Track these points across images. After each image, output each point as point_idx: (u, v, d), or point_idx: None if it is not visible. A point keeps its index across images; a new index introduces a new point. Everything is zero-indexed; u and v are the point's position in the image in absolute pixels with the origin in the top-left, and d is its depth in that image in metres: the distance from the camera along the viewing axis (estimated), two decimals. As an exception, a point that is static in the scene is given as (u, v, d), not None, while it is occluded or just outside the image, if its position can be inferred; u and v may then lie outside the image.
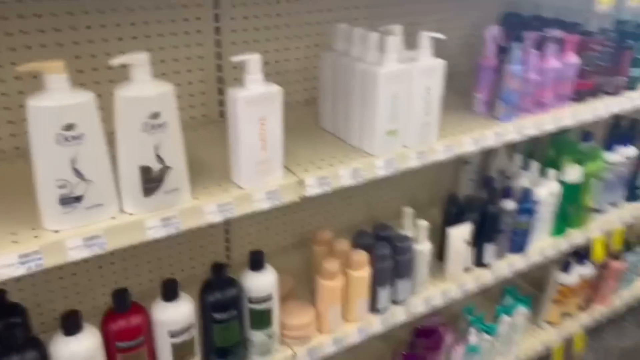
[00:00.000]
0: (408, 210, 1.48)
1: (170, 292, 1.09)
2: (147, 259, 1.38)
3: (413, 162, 1.23)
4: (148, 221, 0.93)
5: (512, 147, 1.74)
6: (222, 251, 1.51)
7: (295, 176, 1.08)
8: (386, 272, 1.37)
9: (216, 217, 0.99)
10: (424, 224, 1.44)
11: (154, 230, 0.94)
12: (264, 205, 1.04)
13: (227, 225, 1.48)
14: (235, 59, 0.97)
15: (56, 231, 0.87)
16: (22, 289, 1.23)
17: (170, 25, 1.20)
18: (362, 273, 1.32)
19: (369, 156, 1.18)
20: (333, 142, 1.24)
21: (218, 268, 1.13)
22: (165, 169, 0.92)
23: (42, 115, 0.80)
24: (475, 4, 1.68)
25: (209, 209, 0.98)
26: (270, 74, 1.37)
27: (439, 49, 1.20)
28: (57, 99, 0.81)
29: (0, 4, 1.01)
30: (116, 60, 0.84)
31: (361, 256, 1.32)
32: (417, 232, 1.44)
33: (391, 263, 1.37)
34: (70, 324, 0.99)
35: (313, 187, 1.09)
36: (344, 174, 1.13)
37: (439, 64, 1.19)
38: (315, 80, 1.44)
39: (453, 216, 1.54)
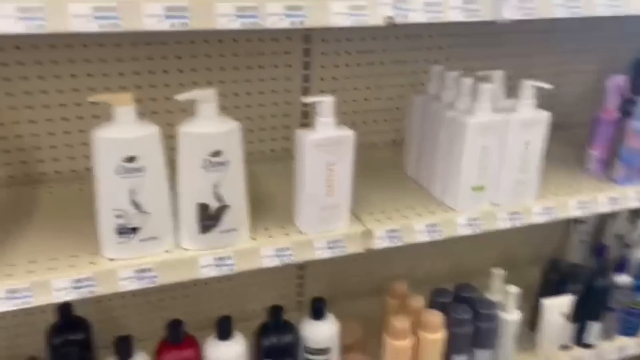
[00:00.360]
0: (498, 272, 1.32)
1: (224, 330, 1.06)
2: (215, 289, 1.37)
3: (503, 223, 1.09)
4: (202, 259, 0.90)
5: (635, 212, 1.51)
6: (294, 289, 1.46)
7: (363, 226, 1.00)
8: (464, 339, 1.23)
9: (273, 262, 0.94)
10: (514, 290, 1.28)
11: (208, 269, 0.91)
12: (325, 254, 0.97)
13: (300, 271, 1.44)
14: (307, 99, 0.93)
15: (112, 259, 0.87)
16: (97, 301, 1.27)
17: (259, 57, 1.19)
18: (436, 336, 1.19)
19: (451, 211, 1.07)
20: (413, 191, 1.15)
21: (274, 311, 1.08)
22: (223, 207, 0.89)
23: (105, 145, 0.81)
24: (600, 46, 1.49)
25: (266, 252, 0.94)
26: (359, 112, 1.32)
27: (552, 96, 1.06)
28: (121, 131, 0.81)
29: (88, 36, 1.06)
30: (182, 96, 0.83)
31: (436, 317, 1.20)
32: (506, 298, 1.29)
33: (471, 329, 1.22)
34: (124, 349, 1.00)
35: (382, 240, 1.01)
36: (419, 229, 1.03)
37: (543, 117, 1.05)
38: (403, 123, 1.35)
39: (552, 285, 1.36)
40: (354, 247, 0.99)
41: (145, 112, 1.12)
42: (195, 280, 1.18)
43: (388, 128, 1.37)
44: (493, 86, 1.02)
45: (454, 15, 0.86)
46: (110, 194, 0.84)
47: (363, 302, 1.52)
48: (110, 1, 0.69)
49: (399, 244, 1.02)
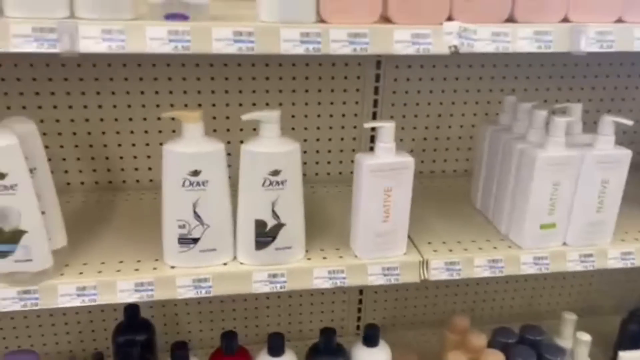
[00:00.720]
0: (570, 317, 1.24)
1: (275, 346, 1.07)
2: (274, 305, 1.40)
3: (573, 265, 1.02)
4: (256, 274, 0.93)
5: None
6: (353, 314, 1.45)
7: (420, 256, 0.98)
8: (525, 385, 1.16)
9: (325, 284, 0.95)
10: (586, 338, 1.19)
11: (260, 284, 0.93)
12: (379, 281, 0.96)
13: (361, 287, 1.43)
14: (368, 124, 0.93)
15: (172, 267, 0.92)
16: (162, 306, 1.34)
17: (329, 81, 1.21)
18: (494, 379, 1.14)
19: (516, 248, 1.02)
20: (477, 223, 1.11)
21: (327, 333, 1.08)
22: (279, 225, 0.91)
23: (173, 159, 0.86)
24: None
25: (319, 273, 0.94)
26: (429, 140, 1.31)
27: (635, 134, 0.99)
28: (188, 146, 0.86)
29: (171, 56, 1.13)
30: (248, 116, 0.87)
31: (497, 358, 1.14)
32: (577, 346, 1.20)
33: (533, 376, 1.15)
34: (180, 355, 1.04)
35: (439, 272, 0.98)
36: (480, 264, 0.99)
37: (623, 155, 0.98)
38: (472, 152, 1.32)
39: (632, 337, 1.25)
40: (409, 276, 0.97)
41: (213, 129, 1.18)
42: (255, 295, 1.22)
43: (459, 157, 1.34)
44: (569, 119, 0.97)
45: (524, 45, 0.83)
46: (175, 205, 0.88)
47: (421, 334, 1.49)
48: (184, 25, 0.75)
49: (457, 277, 0.98)
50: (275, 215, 0.90)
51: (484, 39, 0.81)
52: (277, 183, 0.89)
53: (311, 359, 1.09)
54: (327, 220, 1.10)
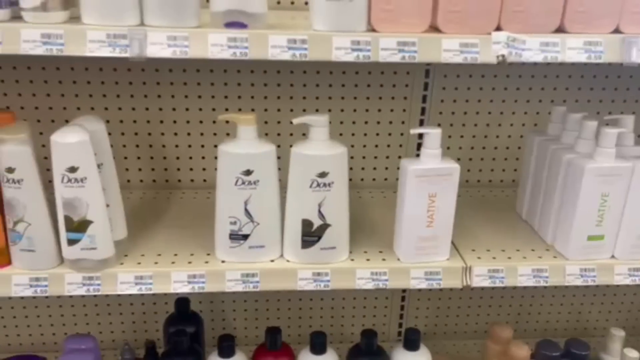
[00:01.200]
0: (617, 333, 1.21)
1: (317, 345, 1.10)
2: (317, 305, 1.43)
3: (621, 279, 1.01)
4: (301, 272, 0.96)
5: None
6: (395, 319, 1.47)
7: (463, 262, 0.99)
8: (568, 399, 1.14)
9: (367, 285, 0.97)
10: (634, 355, 1.16)
11: (305, 282, 0.97)
12: (421, 284, 0.98)
13: (404, 293, 1.44)
14: (415, 131, 0.96)
15: (223, 261, 0.97)
16: (210, 301, 1.40)
17: (378, 89, 1.24)
18: (536, 391, 1.13)
19: (561, 259, 1.01)
20: (522, 233, 1.11)
21: (368, 335, 1.11)
22: (325, 226, 0.95)
23: (227, 159, 0.91)
24: None
25: (362, 274, 0.97)
26: (476, 149, 1.31)
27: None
28: (242, 147, 0.91)
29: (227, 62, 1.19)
30: (298, 120, 0.91)
31: (539, 370, 1.13)
32: (625, 363, 1.17)
33: (577, 390, 1.13)
34: (226, 348, 1.09)
35: (482, 279, 0.99)
36: (524, 272, 0.99)
37: (676, 167, 0.96)
38: (519, 162, 1.31)
39: (684, 357, 1.20)
40: (451, 282, 0.99)
41: (265, 133, 1.23)
42: (299, 294, 1.26)
43: (506, 167, 1.34)
44: (619, 130, 0.96)
45: (574, 55, 0.84)
46: (228, 202, 0.93)
47: (462, 344, 1.48)
48: (242, 33, 0.80)
49: (500, 285, 0.99)
50: (321, 215, 0.94)
51: (533, 48, 0.83)
52: (324, 185, 0.92)
53: (352, 359, 1.11)
54: (371, 224, 1.12)
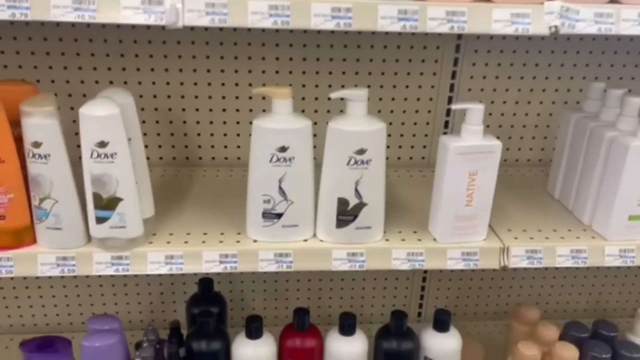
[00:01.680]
0: (646, 314, 1.20)
1: (347, 326, 1.08)
2: (338, 287, 1.41)
3: (660, 258, 0.99)
4: (335, 252, 0.94)
5: None
6: (415, 301, 1.45)
7: (500, 242, 0.97)
8: (598, 381, 1.13)
9: (403, 265, 0.95)
10: (664, 336, 1.15)
11: (339, 262, 0.94)
12: (458, 265, 0.96)
13: (425, 274, 1.42)
14: (456, 106, 0.92)
15: (255, 241, 0.94)
16: (229, 282, 1.37)
17: (407, 64, 1.20)
18: (566, 372, 1.11)
19: (600, 239, 0.99)
20: (557, 213, 1.08)
21: (398, 316, 1.08)
22: (361, 204, 0.92)
23: (262, 134, 0.88)
24: None
25: (397, 254, 0.95)
26: (504, 127, 1.28)
27: None
28: (277, 122, 0.88)
29: (252, 35, 1.15)
30: (336, 94, 0.88)
31: (572, 352, 1.11)
32: (653, 345, 1.16)
33: (607, 372, 1.12)
34: (254, 329, 1.06)
35: (519, 259, 0.96)
36: (562, 253, 0.97)
37: None
38: (551, 140, 1.29)
39: None
40: (488, 263, 0.96)
41: (301, 109, 1.19)
42: (319, 274, 1.22)
43: (534, 146, 1.31)
44: (664, 107, 0.93)
45: (628, 28, 0.80)
46: (262, 180, 0.90)
47: (483, 324, 1.47)
48: (284, 0, 0.75)
49: (538, 265, 0.97)
50: (357, 194, 0.91)
51: (587, 19, 0.79)
52: (362, 162, 0.89)
53: (381, 340, 1.10)
54: (402, 204, 1.10)
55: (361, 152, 0.88)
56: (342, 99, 0.88)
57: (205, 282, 1.18)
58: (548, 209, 1.10)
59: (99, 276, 1.32)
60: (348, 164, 0.89)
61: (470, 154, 0.90)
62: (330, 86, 1.20)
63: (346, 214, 0.92)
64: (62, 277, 1.31)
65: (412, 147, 1.29)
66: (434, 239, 0.97)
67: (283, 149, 0.88)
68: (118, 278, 1.33)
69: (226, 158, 1.25)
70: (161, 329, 1.13)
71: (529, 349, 1.12)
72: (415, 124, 1.26)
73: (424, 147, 1.28)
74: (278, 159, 0.88)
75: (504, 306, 1.48)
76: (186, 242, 0.92)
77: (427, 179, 1.20)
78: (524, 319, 1.25)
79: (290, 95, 0.88)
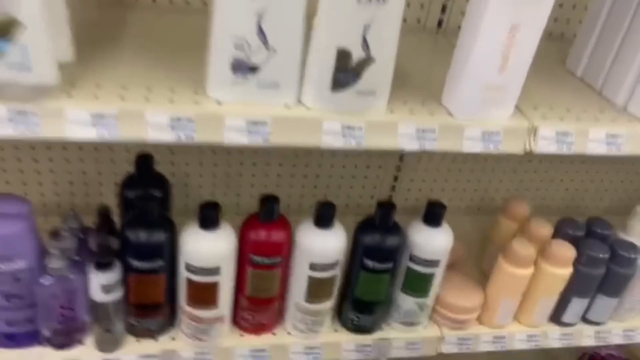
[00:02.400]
0: (641, 211, 1.10)
1: (325, 217, 0.89)
2: (305, 171, 1.20)
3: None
4: (327, 123, 0.71)
5: None
6: (386, 191, 1.28)
7: (528, 121, 0.78)
8: (592, 281, 1.04)
9: (410, 144, 0.74)
10: (661, 236, 1.06)
11: (331, 137, 0.72)
12: (476, 147, 0.77)
13: (400, 162, 1.24)
14: None
15: (219, 103, 0.69)
16: (174, 163, 1.12)
17: None
18: (562, 271, 1.00)
19: (638, 122, 0.83)
20: (583, 92, 0.91)
21: (385, 208, 0.90)
22: (368, 60, 0.68)
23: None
24: None
25: (405, 130, 0.74)
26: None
27: None
28: None
29: None
30: None
31: (568, 250, 1.00)
32: (647, 244, 1.07)
33: (603, 271, 1.02)
34: (209, 218, 0.84)
35: (548, 143, 0.79)
36: (596, 137, 0.80)
37: None
38: (572, 11, 1.08)
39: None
40: (512, 146, 0.78)
41: None
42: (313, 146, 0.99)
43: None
44: None
45: None
46: (233, 16, 0.63)
47: (457, 219, 1.33)
48: None
49: (568, 152, 0.80)
50: (365, 44, 0.67)
51: None
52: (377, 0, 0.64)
53: (364, 234, 0.92)
54: (405, 70, 0.87)
55: (377, -16, 0.63)
56: None
57: (145, 158, 0.92)
58: (572, 88, 0.92)
59: None
60: (359, 2, 0.64)
61: (517, 2, 0.67)
62: None
63: (346, 71, 0.68)
64: (-51, 146, 1.01)
65: (422, 6, 1.03)
66: (450, 114, 0.76)
67: (267, -30, 0.61)
68: (25, 148, 1.04)
69: (171, 2, 0.95)
70: (84, 215, 0.89)
71: (524, 247, 0.99)
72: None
73: (432, 10, 1.04)
74: (259, -15, 0.62)
75: (489, 199, 1.34)
76: (122, 98, 0.66)
77: (437, 47, 0.98)
78: (513, 214, 1.12)
79: None
